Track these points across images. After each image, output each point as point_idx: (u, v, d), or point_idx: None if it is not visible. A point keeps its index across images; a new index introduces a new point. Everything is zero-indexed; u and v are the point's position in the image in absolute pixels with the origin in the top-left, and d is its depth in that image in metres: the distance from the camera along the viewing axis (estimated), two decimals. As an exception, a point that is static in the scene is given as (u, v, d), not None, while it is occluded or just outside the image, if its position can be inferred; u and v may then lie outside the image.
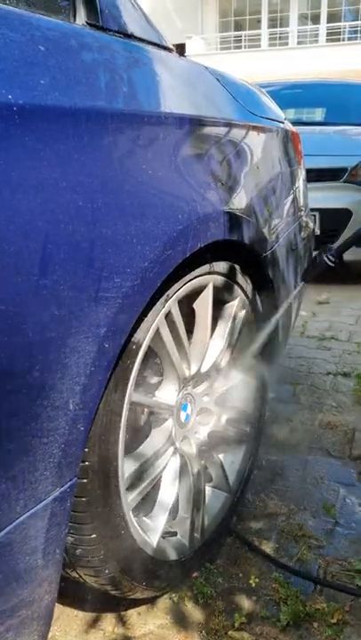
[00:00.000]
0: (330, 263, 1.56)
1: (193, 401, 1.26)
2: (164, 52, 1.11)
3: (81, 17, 0.92)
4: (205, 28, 23.14)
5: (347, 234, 3.86)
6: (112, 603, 1.21)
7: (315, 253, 1.65)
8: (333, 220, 3.84)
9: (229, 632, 1.15)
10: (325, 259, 1.56)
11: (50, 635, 1.13)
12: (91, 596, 1.19)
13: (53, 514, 0.80)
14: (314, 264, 1.62)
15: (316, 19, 22.30)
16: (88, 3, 0.94)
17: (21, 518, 0.75)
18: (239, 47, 22.48)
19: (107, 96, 0.83)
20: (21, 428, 0.72)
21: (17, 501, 0.74)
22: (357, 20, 21.47)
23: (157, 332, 1.04)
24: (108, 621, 1.19)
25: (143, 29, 1.10)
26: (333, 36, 21.38)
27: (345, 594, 1.25)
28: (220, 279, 1.22)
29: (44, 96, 0.71)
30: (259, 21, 22.80)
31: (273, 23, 22.73)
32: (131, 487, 1.05)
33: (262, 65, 18.75)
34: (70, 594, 1.20)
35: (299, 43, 21.97)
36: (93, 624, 1.18)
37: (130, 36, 1.02)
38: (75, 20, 0.91)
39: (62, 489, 0.81)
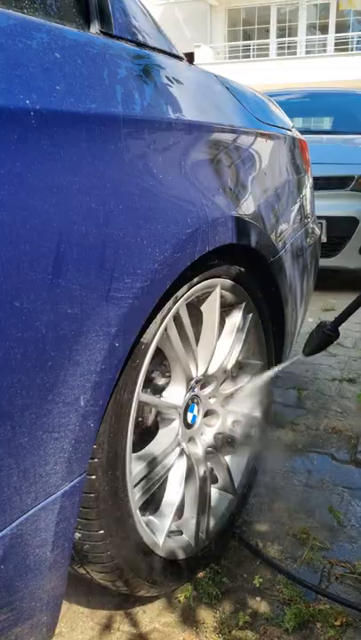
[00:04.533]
0: (330, 335, 1.51)
1: (200, 402, 1.28)
2: (174, 61, 1.14)
3: (95, 26, 0.95)
4: (214, 38, 23.30)
5: (353, 242, 3.88)
6: (118, 600, 1.23)
7: (313, 330, 1.55)
8: (340, 227, 3.86)
9: (233, 631, 1.17)
10: (324, 332, 1.50)
11: (56, 631, 1.15)
12: (97, 593, 1.20)
13: (63, 508, 0.82)
14: (317, 340, 1.53)
15: (324, 29, 22.42)
16: (102, 12, 0.97)
17: (32, 511, 0.77)
18: (247, 56, 22.62)
19: (119, 102, 0.86)
20: (34, 423, 0.74)
21: (28, 494, 0.76)
22: (366, 30, 21.59)
23: (166, 333, 1.06)
24: (114, 618, 1.20)
25: (155, 38, 1.12)
26: (341, 46, 21.47)
27: (352, 592, 1.26)
28: (227, 283, 1.24)
29: (59, 101, 0.74)
30: (267, 31, 22.94)
31: (281, 33, 22.87)
32: (138, 485, 1.07)
33: (270, 74, 18.86)
34: (77, 591, 1.21)
35: (307, 52, 22.08)
36: (99, 621, 1.20)
37: (142, 45, 1.05)
38: (89, 28, 0.94)
39: (72, 483, 0.83)
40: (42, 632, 0.88)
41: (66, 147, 0.74)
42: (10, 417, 0.70)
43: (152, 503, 1.18)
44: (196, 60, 19.63)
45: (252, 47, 22.85)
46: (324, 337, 1.50)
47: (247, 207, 1.24)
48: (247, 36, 23.56)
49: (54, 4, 0.92)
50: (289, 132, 1.70)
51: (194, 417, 1.26)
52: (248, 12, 23.26)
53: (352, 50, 21.26)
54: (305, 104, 5.42)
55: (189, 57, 1.31)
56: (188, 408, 1.23)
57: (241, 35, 23.67)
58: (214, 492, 1.39)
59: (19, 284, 0.68)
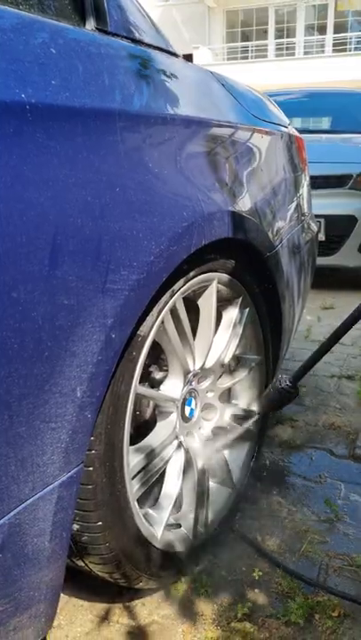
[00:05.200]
0: (289, 392, 1.35)
1: (197, 396, 1.29)
2: (170, 57, 1.15)
3: (91, 22, 0.96)
4: (213, 39, 23.33)
5: (351, 240, 3.89)
6: (117, 593, 1.23)
7: (270, 387, 1.40)
8: (339, 226, 3.87)
9: (232, 623, 1.17)
10: (283, 389, 1.34)
11: (55, 623, 1.16)
12: (96, 585, 1.21)
13: (61, 498, 0.83)
14: (275, 397, 1.37)
15: (322, 29, 22.44)
16: (97, 9, 0.98)
17: (30, 500, 0.78)
18: (246, 58, 22.65)
19: (114, 97, 0.87)
20: (31, 413, 0.75)
21: (26, 483, 0.76)
22: (364, 30, 21.62)
23: (163, 326, 1.07)
24: (113, 611, 1.21)
25: (150, 35, 1.13)
26: (340, 47, 21.49)
27: (351, 584, 1.27)
28: (224, 277, 1.25)
29: (55, 96, 0.75)
30: (265, 32, 22.97)
31: (280, 34, 22.90)
32: (136, 477, 1.08)
33: (269, 75, 18.87)
34: (76, 584, 1.22)
35: (305, 53, 22.10)
36: (98, 613, 1.20)
37: (137, 42, 1.06)
38: (85, 25, 0.95)
39: (69, 474, 0.83)
40: (40, 622, 0.89)
41: (62, 140, 0.75)
42: (7, 407, 0.71)
43: (150, 496, 1.19)
44: (195, 61, 19.64)
45: (250, 48, 22.88)
46: (283, 394, 1.36)
47: (243, 202, 1.25)
48: (245, 38, 23.59)
49: (50, 1, 0.93)
50: (285, 130, 1.71)
51: (192, 410, 1.27)
52: (246, 13, 23.29)
53: (350, 50, 21.28)
54: (304, 104, 5.44)
55: (188, 58, 1.32)
56: (185, 401, 1.24)
57: (239, 36, 23.70)
58: (213, 485, 1.40)
59: (16, 275, 0.69)
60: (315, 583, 1.28)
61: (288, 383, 1.34)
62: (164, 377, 1.20)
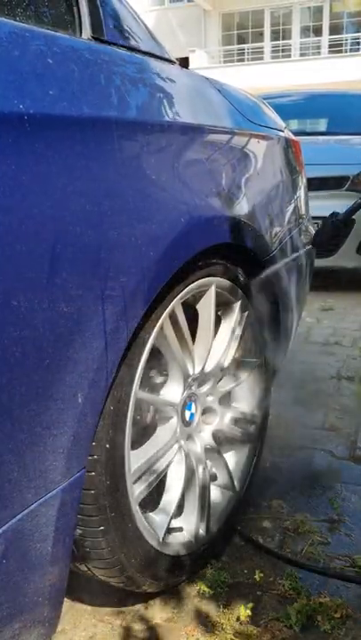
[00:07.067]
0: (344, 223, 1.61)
1: (197, 400, 1.30)
2: (166, 64, 1.16)
3: (86, 31, 0.97)
4: (208, 42, 23.39)
5: (350, 241, 3.90)
6: (120, 597, 1.24)
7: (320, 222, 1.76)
8: (337, 227, 3.87)
9: (235, 625, 1.18)
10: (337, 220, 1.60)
11: (59, 628, 1.16)
12: (99, 590, 1.22)
13: (63, 503, 0.83)
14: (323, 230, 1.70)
15: (318, 31, 22.51)
16: (93, 18, 0.99)
17: (33, 506, 0.78)
18: (242, 60, 22.70)
19: (112, 106, 0.88)
20: (33, 419, 0.75)
21: (28, 489, 0.77)
22: (359, 32, 21.68)
23: (162, 332, 1.08)
24: (117, 615, 1.22)
25: (146, 43, 1.15)
26: (336, 48, 21.56)
27: (352, 585, 1.28)
28: (222, 281, 1.26)
29: (52, 105, 0.76)
30: (261, 34, 23.04)
31: (275, 36, 22.96)
32: (137, 482, 1.09)
33: (265, 77, 18.92)
34: (79, 588, 1.23)
35: (301, 55, 22.17)
36: (102, 618, 1.21)
37: (133, 49, 1.07)
38: (81, 34, 0.96)
39: (71, 479, 0.84)
40: (44, 627, 0.90)
41: (60, 149, 0.76)
42: (9, 413, 0.72)
43: (152, 500, 1.19)
44: (192, 64, 19.70)
45: (246, 51, 22.94)
46: (336, 226, 1.67)
47: (240, 207, 1.26)
48: (242, 40, 23.65)
49: (46, 11, 0.94)
50: (281, 133, 1.72)
51: (192, 415, 1.28)
52: (242, 16, 23.36)
53: (346, 51, 21.35)
54: (301, 106, 5.46)
55: (184, 62, 1.34)
56: (185, 406, 1.25)
57: (235, 39, 23.76)
58: (214, 489, 1.40)
59: (16, 283, 0.70)
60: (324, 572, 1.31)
61: (341, 217, 1.66)
62: (164, 382, 1.21)
